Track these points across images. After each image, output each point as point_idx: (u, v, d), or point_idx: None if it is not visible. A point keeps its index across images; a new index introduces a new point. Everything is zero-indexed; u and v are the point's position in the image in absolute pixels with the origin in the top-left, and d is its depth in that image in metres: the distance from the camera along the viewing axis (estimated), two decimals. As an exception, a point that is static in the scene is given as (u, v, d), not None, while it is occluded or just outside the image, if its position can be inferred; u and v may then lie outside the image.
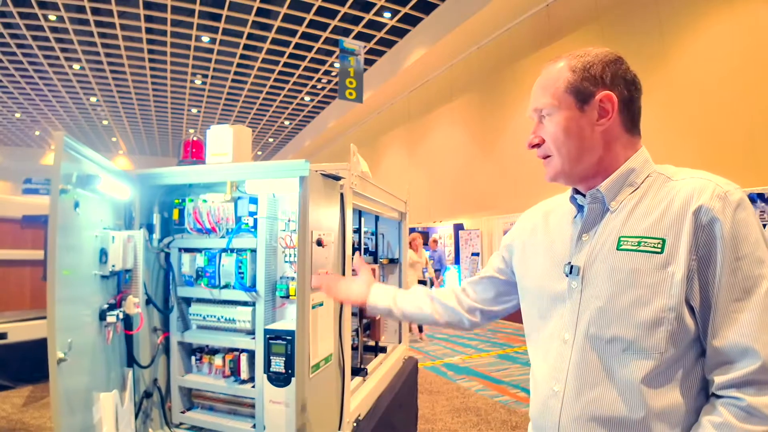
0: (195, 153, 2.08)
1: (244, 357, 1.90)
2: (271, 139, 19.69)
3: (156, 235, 1.92)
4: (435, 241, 9.80)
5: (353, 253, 1.98)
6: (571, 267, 0.91)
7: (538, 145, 0.96)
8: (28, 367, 4.46)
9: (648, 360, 0.79)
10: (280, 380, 1.70)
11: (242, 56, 11.22)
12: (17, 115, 16.15)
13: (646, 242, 0.82)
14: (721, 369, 0.77)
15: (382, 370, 2.48)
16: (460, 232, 11.72)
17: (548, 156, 0.95)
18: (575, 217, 0.98)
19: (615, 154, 0.91)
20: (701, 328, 0.80)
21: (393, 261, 3.11)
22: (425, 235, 14.03)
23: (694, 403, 0.80)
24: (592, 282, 0.87)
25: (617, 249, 0.85)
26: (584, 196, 0.95)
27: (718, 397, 0.78)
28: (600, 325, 0.84)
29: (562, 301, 0.92)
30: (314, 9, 8.93)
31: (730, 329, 0.76)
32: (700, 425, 0.77)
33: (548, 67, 0.97)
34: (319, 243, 1.61)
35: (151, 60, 11.41)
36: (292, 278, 1.87)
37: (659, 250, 0.80)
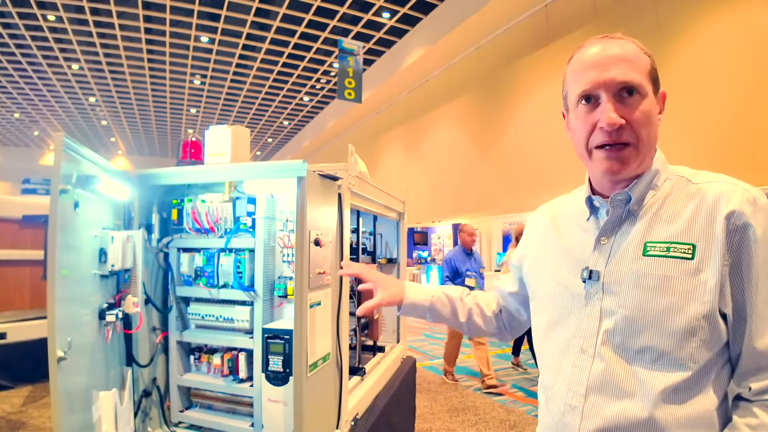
0: (194, 153, 2.09)
1: (242, 356, 1.91)
2: (270, 139, 19.68)
3: (155, 235, 1.94)
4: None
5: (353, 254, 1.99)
6: (590, 272, 0.85)
7: (619, 128, 0.80)
8: (28, 367, 4.47)
9: (681, 370, 0.75)
10: (278, 379, 1.71)
11: (241, 56, 11.22)
12: (16, 115, 16.13)
13: (675, 248, 0.77)
14: (759, 375, 0.75)
15: (380, 370, 2.49)
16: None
17: (625, 144, 0.81)
18: (588, 219, 0.91)
19: (654, 154, 0.86)
20: (732, 334, 0.76)
21: (391, 261, 3.12)
22: (424, 234, 14.06)
23: (719, 411, 0.76)
24: (615, 288, 0.82)
25: (644, 255, 0.80)
26: (602, 196, 0.89)
27: (751, 401, 0.75)
28: (627, 335, 0.79)
29: (579, 308, 0.86)
30: (313, 9, 8.94)
31: None
32: (735, 428, 0.74)
33: (616, 42, 0.84)
34: (317, 243, 1.63)
35: (150, 60, 11.41)
36: (290, 278, 1.88)
37: (690, 256, 0.76)
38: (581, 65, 0.85)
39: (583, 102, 0.84)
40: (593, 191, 0.91)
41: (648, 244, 0.80)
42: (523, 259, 1.09)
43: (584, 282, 0.86)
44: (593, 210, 0.90)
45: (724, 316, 0.76)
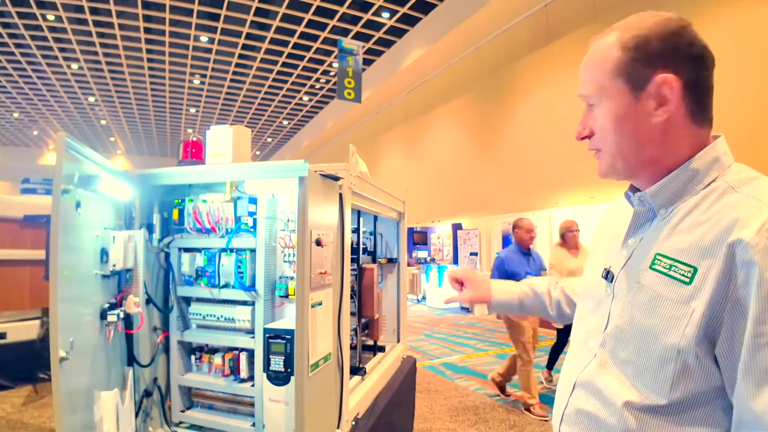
0: (194, 153, 2.10)
1: (243, 356, 1.91)
2: (269, 139, 19.68)
3: (156, 235, 1.94)
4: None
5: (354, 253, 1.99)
6: (608, 272, 0.84)
7: (587, 137, 0.83)
8: (27, 367, 4.47)
9: (656, 395, 0.70)
10: (279, 379, 1.72)
11: (241, 56, 11.21)
12: (15, 114, 16.11)
13: (677, 267, 0.71)
14: None
15: (381, 369, 2.50)
16: (459, 231, 11.75)
17: (599, 149, 0.83)
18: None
19: (676, 149, 0.76)
20: (726, 382, 0.68)
21: (391, 261, 3.12)
22: (424, 234, 14.07)
23: None
24: (620, 294, 0.80)
25: (650, 267, 0.75)
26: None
27: None
28: (616, 343, 0.78)
29: (598, 305, 0.87)
30: (313, 9, 8.93)
31: (757, 399, 0.62)
32: None
33: (596, 42, 0.81)
34: (318, 243, 1.63)
35: (149, 60, 11.40)
36: (292, 278, 1.88)
37: (688, 279, 0.69)
38: None
39: None
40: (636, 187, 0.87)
41: (657, 257, 0.74)
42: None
43: (604, 280, 0.86)
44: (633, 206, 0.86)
45: (715, 357, 0.68)
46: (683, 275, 0.69)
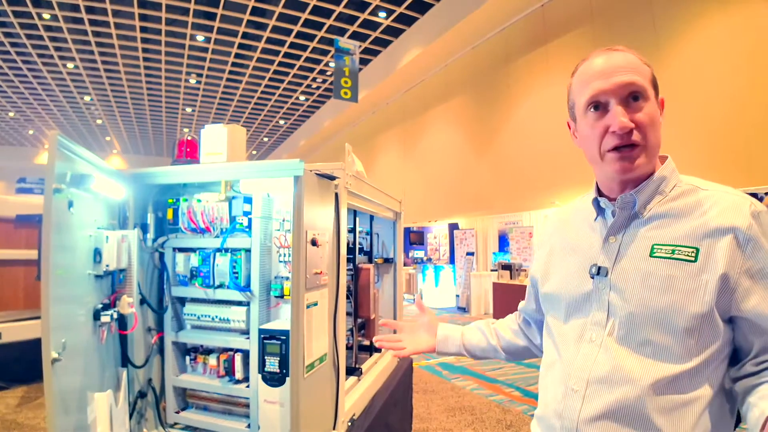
0: (189, 152, 2.08)
1: (238, 357, 1.90)
2: (266, 139, 19.65)
3: (150, 235, 1.93)
4: None
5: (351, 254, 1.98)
6: (599, 268, 0.90)
7: (629, 131, 0.85)
8: (22, 368, 4.44)
9: (679, 363, 0.80)
10: (274, 380, 1.71)
11: (237, 55, 11.18)
12: (11, 113, 16.03)
13: (680, 250, 0.82)
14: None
15: (377, 370, 2.49)
16: (455, 231, 11.74)
17: (635, 145, 0.86)
18: (595, 219, 0.97)
19: (657, 155, 0.91)
20: (748, 337, 0.82)
21: (387, 261, 3.12)
22: (420, 234, 14.06)
23: (714, 401, 0.81)
24: (621, 285, 0.87)
25: (650, 256, 0.85)
26: (608, 199, 0.93)
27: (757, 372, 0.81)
28: (630, 329, 0.84)
29: (588, 302, 0.92)
30: (309, 8, 8.92)
31: None
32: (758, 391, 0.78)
33: (619, 53, 0.89)
34: (314, 243, 1.62)
35: (145, 59, 11.35)
36: (287, 278, 1.88)
37: (693, 258, 0.81)
38: (587, 75, 0.90)
39: (592, 109, 0.89)
40: (600, 194, 0.97)
41: (655, 246, 0.85)
42: (536, 272, 1.10)
43: (592, 278, 0.91)
44: (600, 211, 0.96)
45: (729, 319, 0.81)
46: (688, 255, 0.81)
